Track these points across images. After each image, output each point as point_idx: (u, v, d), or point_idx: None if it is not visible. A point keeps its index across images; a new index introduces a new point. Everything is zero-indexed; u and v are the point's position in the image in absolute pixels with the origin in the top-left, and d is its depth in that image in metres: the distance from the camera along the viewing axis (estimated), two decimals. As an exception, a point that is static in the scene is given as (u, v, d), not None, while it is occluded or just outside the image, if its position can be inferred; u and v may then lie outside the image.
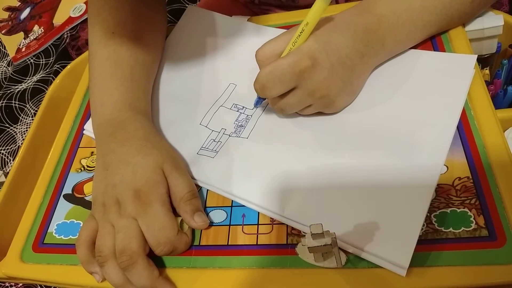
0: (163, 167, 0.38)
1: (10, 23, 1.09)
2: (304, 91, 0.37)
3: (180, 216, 0.38)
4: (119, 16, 0.48)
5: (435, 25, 0.42)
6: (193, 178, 0.41)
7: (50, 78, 0.88)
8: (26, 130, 0.83)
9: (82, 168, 0.47)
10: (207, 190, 0.41)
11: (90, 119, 0.47)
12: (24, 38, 1.03)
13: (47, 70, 0.92)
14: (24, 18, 1.07)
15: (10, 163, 0.80)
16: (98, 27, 0.48)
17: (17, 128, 0.85)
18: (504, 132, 0.48)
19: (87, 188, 0.45)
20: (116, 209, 0.36)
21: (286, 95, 0.38)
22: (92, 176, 0.44)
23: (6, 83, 0.94)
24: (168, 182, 0.38)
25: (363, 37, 0.38)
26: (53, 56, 0.95)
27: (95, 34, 0.48)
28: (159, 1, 0.54)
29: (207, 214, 0.39)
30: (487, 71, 0.53)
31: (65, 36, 0.97)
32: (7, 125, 0.86)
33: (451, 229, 0.32)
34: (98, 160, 0.41)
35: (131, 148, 0.39)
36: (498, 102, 0.52)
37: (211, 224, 0.38)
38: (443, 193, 0.34)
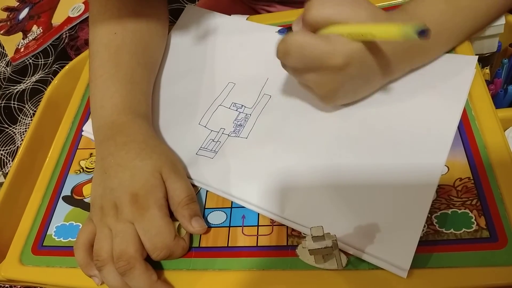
0: (162, 171, 0.38)
1: (8, 23, 1.09)
2: (315, 77, 0.36)
3: (177, 220, 0.37)
4: (121, 16, 0.48)
5: (459, 42, 0.41)
6: (191, 179, 0.41)
7: (49, 79, 0.88)
8: (25, 131, 0.83)
9: (81, 170, 0.47)
10: (207, 191, 0.41)
11: (89, 120, 0.47)
12: (23, 38, 1.02)
13: (46, 71, 0.92)
14: (23, 18, 1.07)
15: (9, 164, 0.80)
16: (100, 27, 0.48)
17: (16, 129, 0.85)
18: (504, 131, 0.47)
19: (86, 190, 0.45)
20: (113, 212, 0.36)
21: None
22: (91, 178, 0.44)
23: (5, 83, 0.94)
24: (166, 187, 0.37)
25: (393, 60, 0.37)
26: (52, 56, 0.95)
27: (96, 34, 0.48)
28: (162, 1, 0.54)
29: (207, 216, 0.39)
30: (487, 70, 0.53)
31: (64, 36, 0.96)
32: (6, 126, 0.86)
33: (452, 230, 0.32)
34: (97, 162, 0.40)
35: (130, 152, 0.38)
36: (499, 101, 0.51)
37: (211, 225, 0.38)
38: (444, 194, 0.34)
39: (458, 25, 0.39)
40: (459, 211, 0.33)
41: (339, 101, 0.40)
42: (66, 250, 0.41)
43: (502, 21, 0.44)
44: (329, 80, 0.36)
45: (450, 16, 0.38)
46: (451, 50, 0.42)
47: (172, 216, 0.37)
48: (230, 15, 0.55)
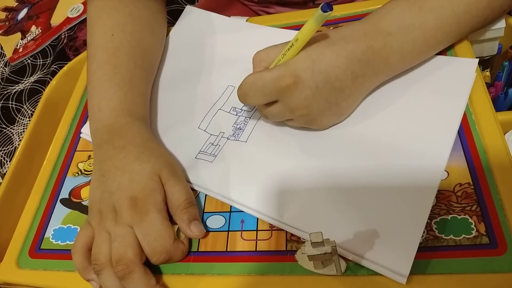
0: (160, 175, 0.37)
1: (7, 23, 1.08)
2: (284, 106, 0.37)
3: (176, 224, 0.37)
4: (119, 17, 0.47)
5: (447, 42, 0.41)
6: (190, 182, 0.41)
7: (48, 79, 0.87)
8: (23, 131, 0.83)
9: (79, 172, 0.46)
10: (206, 195, 0.40)
11: (87, 122, 0.47)
12: (22, 39, 1.02)
13: (45, 71, 0.92)
14: (22, 19, 1.06)
15: (7, 164, 0.80)
16: (97, 29, 0.47)
17: (14, 129, 0.85)
18: (504, 135, 0.47)
19: (84, 193, 0.44)
20: (112, 216, 0.36)
21: (270, 105, 0.38)
22: (89, 181, 0.44)
23: (3, 83, 0.93)
24: (165, 190, 0.37)
25: (361, 58, 0.36)
26: (50, 57, 0.95)
27: (93, 36, 0.47)
28: (160, 2, 0.53)
29: (206, 220, 0.39)
30: (487, 73, 0.53)
31: (63, 36, 0.96)
32: (4, 126, 0.85)
33: (451, 236, 0.32)
34: (95, 166, 0.40)
35: (128, 155, 0.38)
36: (499, 104, 0.51)
37: (209, 229, 0.38)
38: (443, 200, 0.34)
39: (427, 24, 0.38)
40: (459, 217, 0.33)
41: (325, 120, 0.39)
42: (64, 254, 0.40)
43: (502, 24, 0.43)
44: (295, 101, 0.36)
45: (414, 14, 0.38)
46: (450, 52, 0.42)
47: (171, 220, 0.37)
48: (229, 16, 0.55)
